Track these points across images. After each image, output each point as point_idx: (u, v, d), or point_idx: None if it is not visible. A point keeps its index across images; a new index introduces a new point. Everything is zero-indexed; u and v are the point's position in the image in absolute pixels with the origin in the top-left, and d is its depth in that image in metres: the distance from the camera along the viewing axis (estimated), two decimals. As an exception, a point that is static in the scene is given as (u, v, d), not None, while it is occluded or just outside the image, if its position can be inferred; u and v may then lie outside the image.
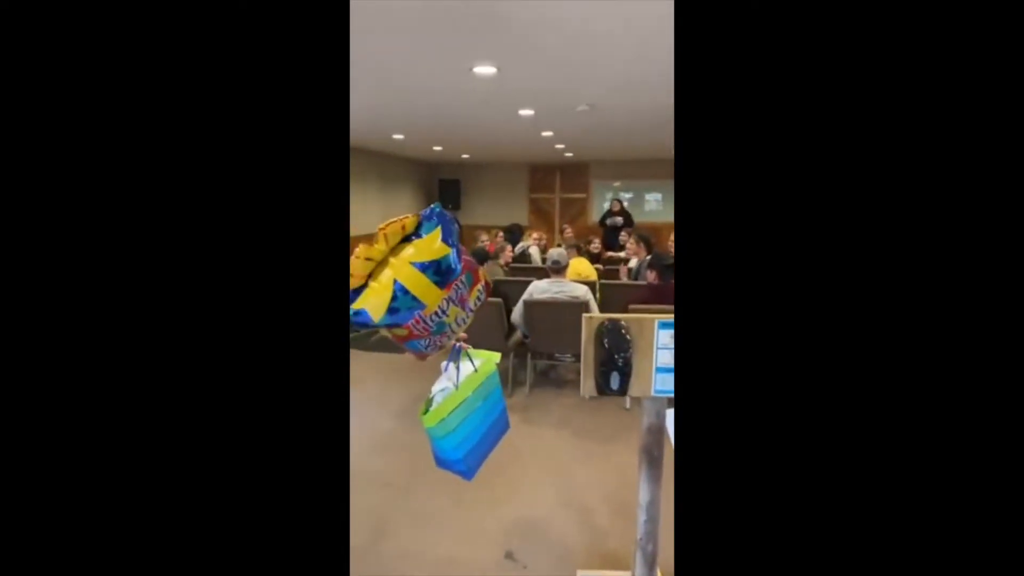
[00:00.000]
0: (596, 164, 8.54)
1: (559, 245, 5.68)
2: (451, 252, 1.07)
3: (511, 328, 3.54)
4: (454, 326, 1.15)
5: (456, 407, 1.21)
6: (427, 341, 1.13)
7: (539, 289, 3.45)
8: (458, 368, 1.25)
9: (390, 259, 1.03)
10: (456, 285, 1.10)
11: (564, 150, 6.60)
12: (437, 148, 6.45)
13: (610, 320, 1.54)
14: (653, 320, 1.36)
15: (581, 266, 4.44)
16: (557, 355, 3.88)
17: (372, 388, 3.56)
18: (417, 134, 5.08)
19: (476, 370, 1.28)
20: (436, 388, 1.24)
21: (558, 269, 3.43)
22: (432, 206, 1.08)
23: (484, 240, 5.47)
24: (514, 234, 5.98)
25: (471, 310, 1.19)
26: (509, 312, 3.47)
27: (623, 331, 1.55)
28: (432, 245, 1.04)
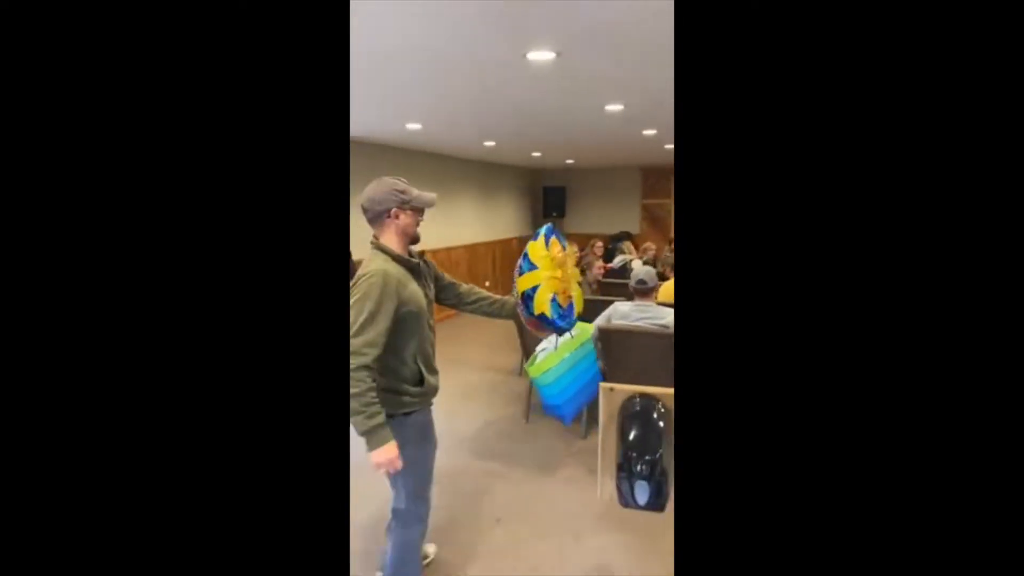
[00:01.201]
0: (719, 165, 7.60)
1: (645, 261, 5.00)
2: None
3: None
4: (568, 317, 1.47)
5: (556, 364, 1.48)
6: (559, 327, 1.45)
7: (619, 313, 2.92)
8: (557, 337, 1.48)
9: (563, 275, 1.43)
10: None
11: (671, 149, 5.89)
12: (536, 154, 6.11)
13: (643, 398, 1.06)
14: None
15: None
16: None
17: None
18: (506, 138, 4.78)
19: (572, 337, 1.48)
20: (539, 348, 1.54)
21: (644, 291, 2.88)
22: (548, 224, 1.41)
23: (599, 247, 4.96)
24: (613, 245, 5.40)
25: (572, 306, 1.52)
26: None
27: (657, 418, 1.04)
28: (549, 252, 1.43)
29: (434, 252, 6.50)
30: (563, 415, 1.64)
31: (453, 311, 1.86)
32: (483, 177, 7.02)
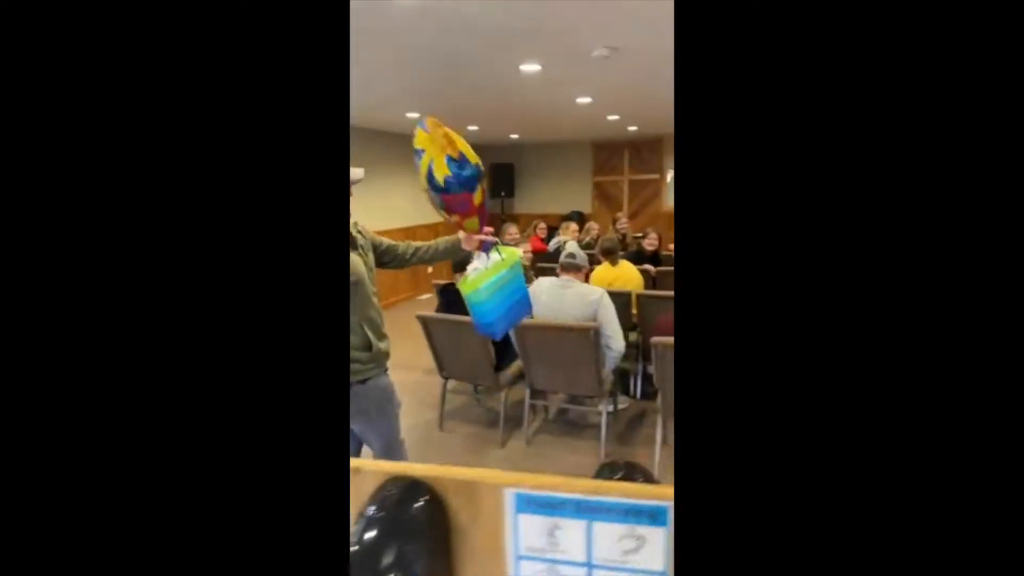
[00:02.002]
0: (671, 139, 7.28)
1: (586, 243, 4.65)
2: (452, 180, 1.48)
3: (507, 353, 2.66)
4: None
5: (486, 282, 1.56)
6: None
7: (541, 288, 2.55)
8: (488, 256, 1.59)
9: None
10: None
11: (619, 122, 5.50)
12: (472, 127, 5.64)
13: (392, 483, 0.72)
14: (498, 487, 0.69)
15: (622, 273, 3.41)
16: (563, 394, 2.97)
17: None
18: (433, 107, 4.31)
19: (502, 259, 1.60)
20: (470, 268, 1.59)
21: (571, 266, 2.54)
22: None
23: (512, 233, 4.57)
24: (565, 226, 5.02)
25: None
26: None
27: (410, 517, 0.68)
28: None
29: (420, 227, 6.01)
30: (494, 332, 1.69)
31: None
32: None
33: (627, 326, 3.07)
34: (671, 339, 2.08)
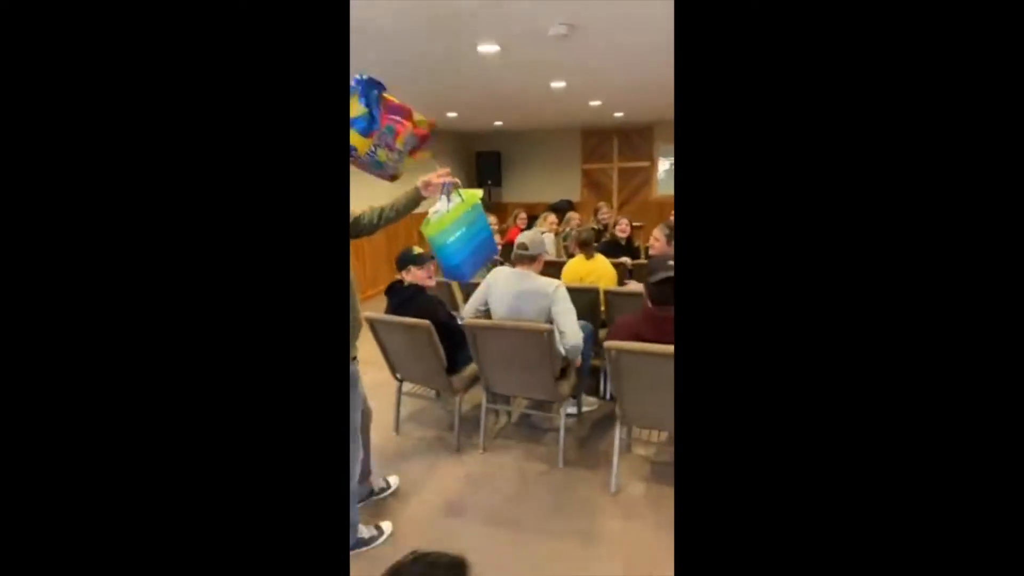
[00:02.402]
0: (662, 126, 7.06)
1: (564, 234, 4.47)
2: (367, 112, 1.50)
3: (461, 356, 2.50)
4: (389, 164, 1.64)
5: (449, 224, 1.62)
6: (379, 171, 1.66)
7: (497, 279, 2.40)
8: (448, 199, 1.61)
9: None
10: (379, 134, 1.54)
11: (603, 108, 5.29)
12: (451, 114, 5.44)
13: (416, 557, 0.65)
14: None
15: (596, 267, 3.24)
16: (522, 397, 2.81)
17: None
18: (411, 96, 4.11)
19: (462, 200, 1.63)
20: (431, 211, 1.64)
21: (524, 258, 2.38)
22: (357, 75, 1.48)
23: (492, 222, 4.37)
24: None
25: (400, 151, 1.64)
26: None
27: None
28: (355, 107, 1.49)
29: None
30: (463, 274, 1.69)
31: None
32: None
33: (596, 324, 2.92)
34: (626, 344, 1.92)
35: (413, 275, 2.50)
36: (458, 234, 1.65)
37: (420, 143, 1.68)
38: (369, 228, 1.75)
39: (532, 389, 2.44)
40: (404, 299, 2.46)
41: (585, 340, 2.61)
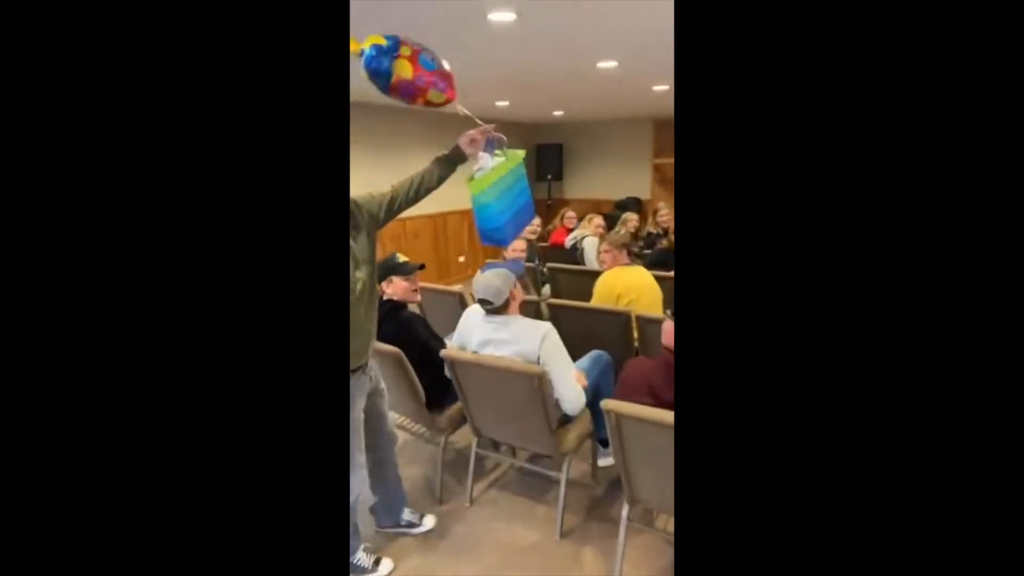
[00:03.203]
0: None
1: (649, 236, 3.88)
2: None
3: (449, 390, 2.08)
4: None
5: (492, 183, 1.53)
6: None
7: (470, 324, 1.92)
8: (492, 155, 1.54)
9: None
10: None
11: (671, 93, 4.60)
12: (502, 103, 5.01)
13: None
14: None
15: (635, 282, 2.66)
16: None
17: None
18: (472, 87, 3.73)
19: (506, 159, 1.55)
20: (475, 168, 1.56)
21: (492, 312, 1.83)
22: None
23: (535, 224, 3.82)
24: (617, 214, 4.27)
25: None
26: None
27: None
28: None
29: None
30: (504, 237, 1.59)
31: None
32: (444, 134, 5.88)
33: (628, 354, 2.38)
34: (627, 407, 1.40)
35: (395, 287, 2.10)
36: (502, 194, 1.55)
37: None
38: (407, 200, 1.57)
39: (526, 440, 1.97)
40: (381, 316, 2.07)
41: (602, 375, 2.09)
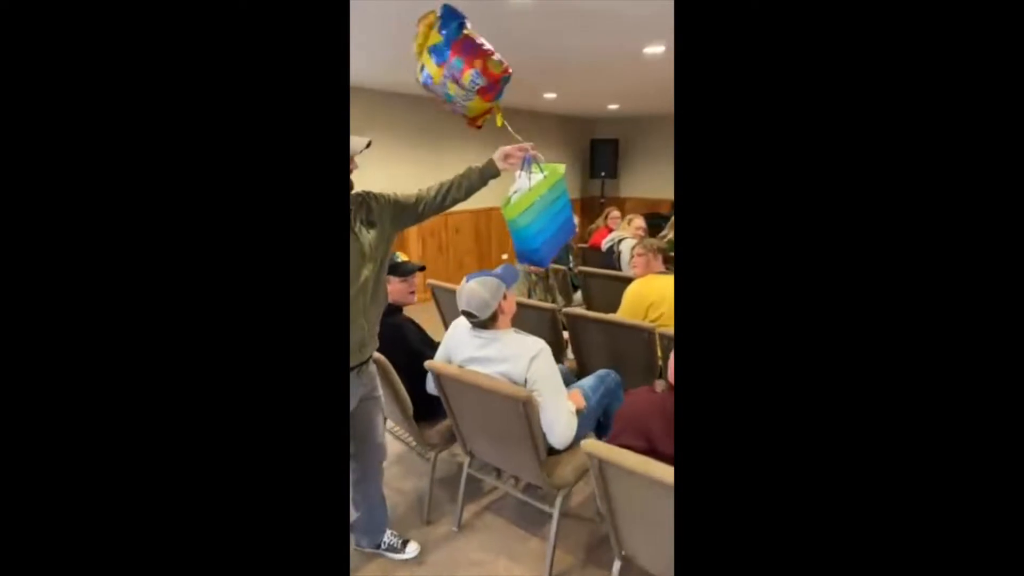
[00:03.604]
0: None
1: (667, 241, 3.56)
2: (441, 40, 1.38)
3: (437, 401, 1.90)
4: (458, 99, 1.46)
5: (532, 202, 1.45)
6: (451, 106, 1.50)
7: (456, 338, 1.73)
8: (530, 174, 1.45)
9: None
10: (448, 66, 1.39)
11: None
12: (549, 95, 4.76)
13: None
14: None
15: (666, 291, 2.37)
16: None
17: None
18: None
19: (544, 176, 1.45)
20: (512, 190, 1.48)
21: (478, 325, 1.62)
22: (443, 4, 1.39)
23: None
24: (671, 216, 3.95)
25: (467, 89, 1.43)
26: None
27: None
28: (433, 36, 1.40)
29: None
30: (541, 258, 1.53)
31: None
32: (538, 128, 5.64)
33: (652, 375, 2.12)
34: (609, 451, 1.17)
35: (394, 289, 1.95)
36: (540, 215, 1.47)
37: (490, 86, 1.42)
38: (432, 207, 1.52)
39: (515, 467, 1.77)
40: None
41: (609, 397, 1.84)
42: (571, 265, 3.65)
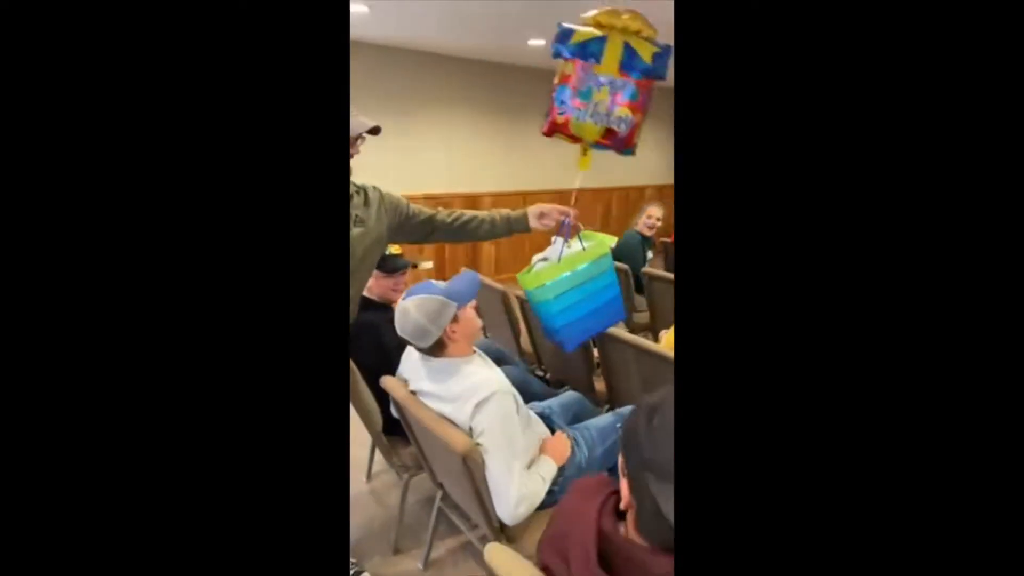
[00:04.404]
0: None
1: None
2: (633, 64, 1.26)
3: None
4: (591, 107, 1.27)
5: (557, 278, 1.24)
6: (567, 105, 1.29)
7: (410, 364, 1.39)
8: (563, 244, 1.28)
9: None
10: (621, 88, 1.26)
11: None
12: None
13: None
14: None
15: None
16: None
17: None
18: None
19: (584, 249, 1.28)
20: (536, 258, 1.32)
21: (423, 351, 1.29)
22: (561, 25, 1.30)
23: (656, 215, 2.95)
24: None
25: (606, 116, 1.28)
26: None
27: None
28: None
29: (494, 196, 5.03)
30: (562, 341, 1.31)
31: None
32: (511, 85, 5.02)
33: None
34: None
35: (377, 284, 1.69)
36: (566, 293, 1.26)
37: (614, 139, 1.30)
38: (445, 233, 1.43)
39: (479, 517, 1.43)
40: (370, 321, 1.66)
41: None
42: (646, 262, 3.15)
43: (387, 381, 1.40)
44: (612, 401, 2.02)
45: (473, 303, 1.29)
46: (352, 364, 1.53)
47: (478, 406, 1.15)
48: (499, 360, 2.14)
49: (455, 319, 1.22)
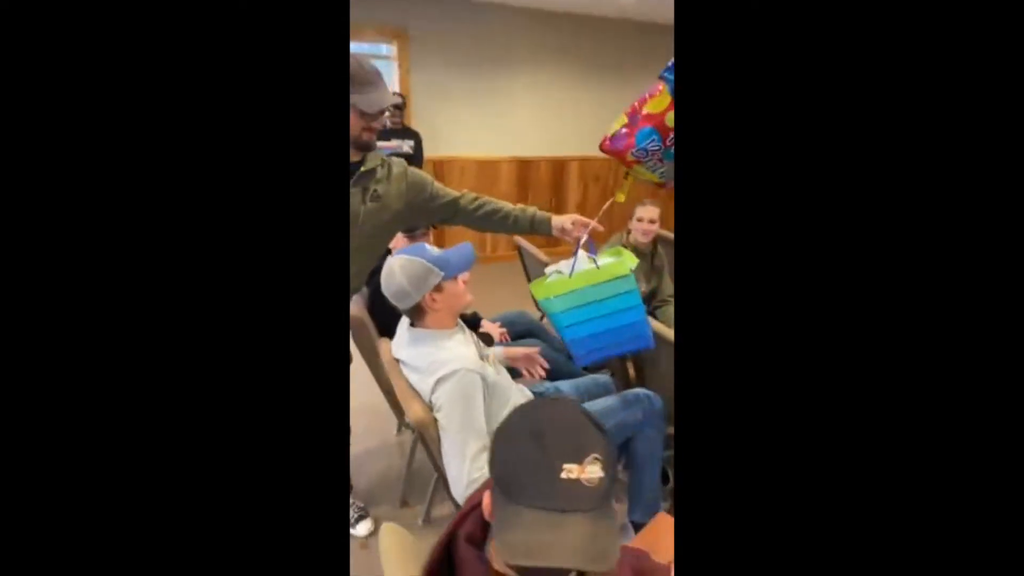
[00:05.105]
0: None
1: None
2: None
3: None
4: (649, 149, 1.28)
5: (569, 292, 1.23)
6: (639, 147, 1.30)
7: (401, 328, 1.35)
8: (574, 260, 1.25)
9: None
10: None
11: None
12: None
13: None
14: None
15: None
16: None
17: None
18: None
19: (598, 268, 1.23)
20: (551, 269, 1.26)
21: (408, 311, 1.26)
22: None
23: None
24: None
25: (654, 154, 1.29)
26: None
27: None
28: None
29: (580, 160, 4.81)
30: (575, 354, 1.32)
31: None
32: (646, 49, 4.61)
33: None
34: None
35: (398, 245, 1.72)
36: (578, 308, 1.24)
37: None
38: (467, 218, 1.42)
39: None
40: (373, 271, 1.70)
41: (640, 427, 1.40)
42: (660, 280, 2.73)
43: (382, 344, 1.43)
44: (642, 385, 1.92)
45: (464, 276, 1.26)
46: (371, 323, 1.58)
47: (439, 381, 1.13)
48: (530, 333, 2.10)
49: (439, 288, 1.19)
